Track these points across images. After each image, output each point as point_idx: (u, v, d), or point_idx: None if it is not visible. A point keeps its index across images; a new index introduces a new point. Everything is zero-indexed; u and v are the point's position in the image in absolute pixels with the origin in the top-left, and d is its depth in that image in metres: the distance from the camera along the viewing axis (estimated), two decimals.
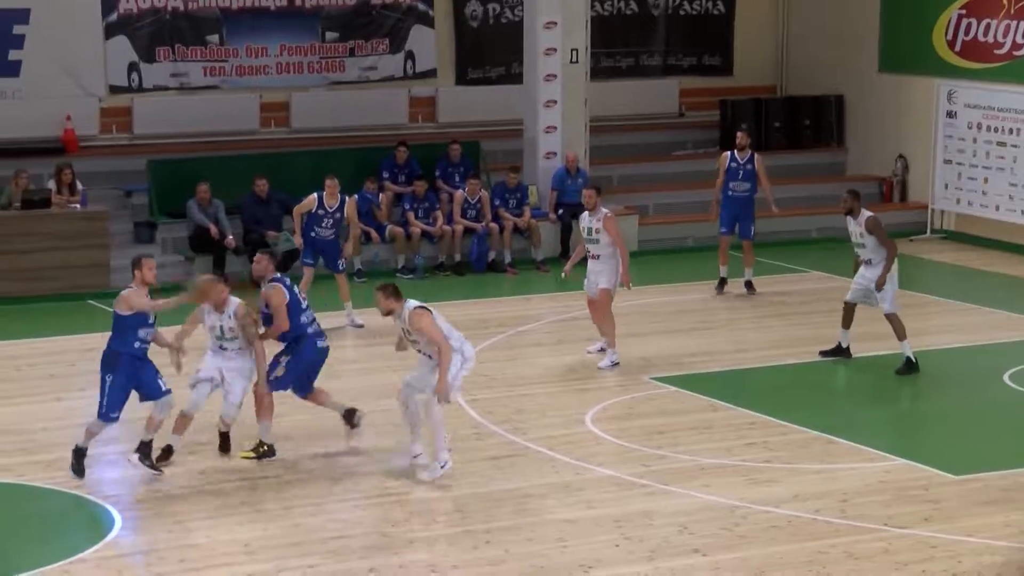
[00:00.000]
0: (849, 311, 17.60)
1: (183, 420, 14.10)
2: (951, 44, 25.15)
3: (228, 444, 14.41)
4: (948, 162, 24.87)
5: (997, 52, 24.50)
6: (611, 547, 12.37)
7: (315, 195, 19.41)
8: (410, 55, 25.92)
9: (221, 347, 14.22)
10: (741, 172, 21.13)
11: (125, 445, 14.22)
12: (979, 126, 24.37)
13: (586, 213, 17.52)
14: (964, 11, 24.94)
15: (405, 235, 22.80)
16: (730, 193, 21.13)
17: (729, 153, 21.32)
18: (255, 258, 14.71)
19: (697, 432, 15.30)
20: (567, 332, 19.18)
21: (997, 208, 24.14)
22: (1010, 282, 22.16)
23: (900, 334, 17.13)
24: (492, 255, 23.04)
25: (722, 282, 21.07)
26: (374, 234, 22.57)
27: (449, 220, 23.06)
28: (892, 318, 17.18)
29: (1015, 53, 24.22)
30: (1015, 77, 24.07)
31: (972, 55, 24.84)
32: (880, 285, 17.13)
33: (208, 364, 14.24)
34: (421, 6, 25.92)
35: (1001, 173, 24.05)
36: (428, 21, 26.02)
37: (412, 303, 13.73)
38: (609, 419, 15.68)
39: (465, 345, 13.88)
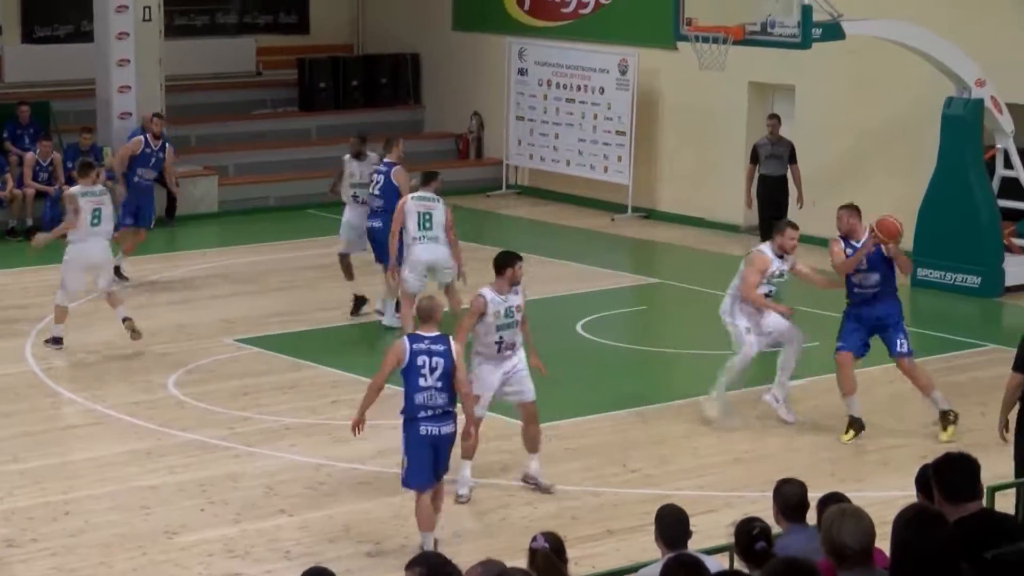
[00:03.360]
0: (347, 262, 18.03)
1: None
2: (520, 3, 25.78)
3: None
4: (521, 119, 25.50)
5: (564, 11, 25.25)
6: (196, 512, 12.29)
7: None
8: None
9: None
10: (153, 159, 19.55)
11: None
12: (549, 83, 25.06)
13: None
14: None
15: None
16: (136, 179, 19.39)
17: (142, 138, 19.58)
18: None
19: (281, 392, 15.32)
20: (151, 295, 18.91)
21: (568, 163, 24.91)
22: (582, 235, 22.94)
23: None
24: None
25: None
26: None
27: (19, 183, 22.33)
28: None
29: (580, 12, 25.01)
30: (581, 35, 24.85)
31: (541, 14, 25.54)
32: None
33: None
34: None
35: (571, 129, 24.80)
36: None
37: None
38: (192, 383, 15.54)
39: None
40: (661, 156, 24.07)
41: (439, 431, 11.14)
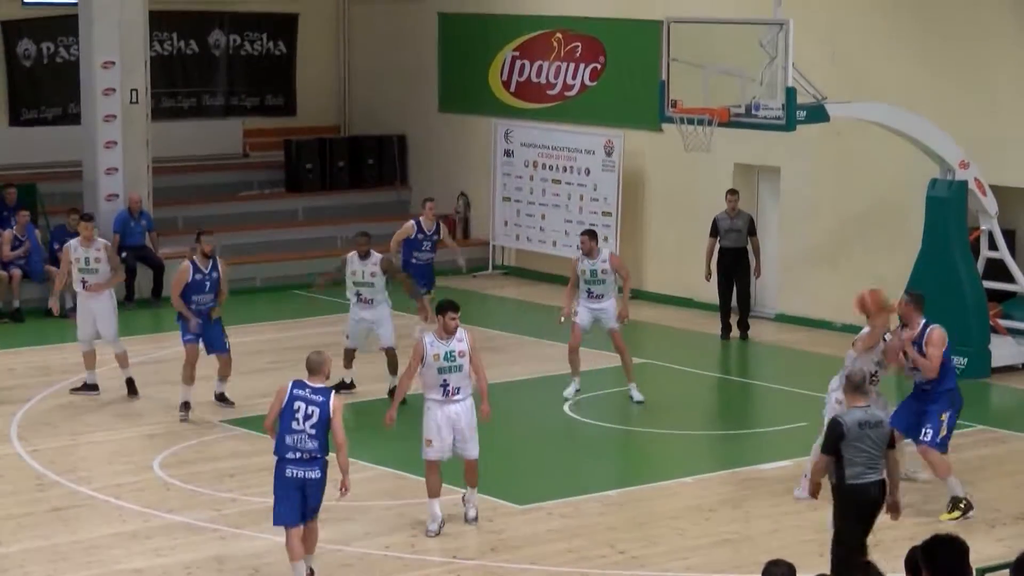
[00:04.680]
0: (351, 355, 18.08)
1: None
2: (506, 85, 25.94)
3: None
4: (507, 199, 25.60)
5: (549, 92, 25.40)
6: None
7: None
8: None
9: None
10: (208, 283, 17.15)
11: None
12: (535, 164, 25.18)
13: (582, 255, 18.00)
14: (518, 53, 25.78)
15: None
16: (194, 308, 17.04)
17: (189, 264, 17.09)
18: None
19: (268, 473, 15.15)
20: (137, 376, 18.82)
21: (554, 244, 24.97)
22: None
23: (393, 367, 17.75)
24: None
25: None
26: None
27: (4, 265, 22.31)
28: (390, 352, 17.88)
29: (566, 93, 25.16)
30: (567, 117, 24.99)
31: (526, 95, 25.69)
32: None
33: None
34: None
35: (557, 210, 24.89)
36: None
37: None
38: (179, 464, 15.48)
39: None
40: (647, 237, 24.14)
41: (303, 474, 11.87)
